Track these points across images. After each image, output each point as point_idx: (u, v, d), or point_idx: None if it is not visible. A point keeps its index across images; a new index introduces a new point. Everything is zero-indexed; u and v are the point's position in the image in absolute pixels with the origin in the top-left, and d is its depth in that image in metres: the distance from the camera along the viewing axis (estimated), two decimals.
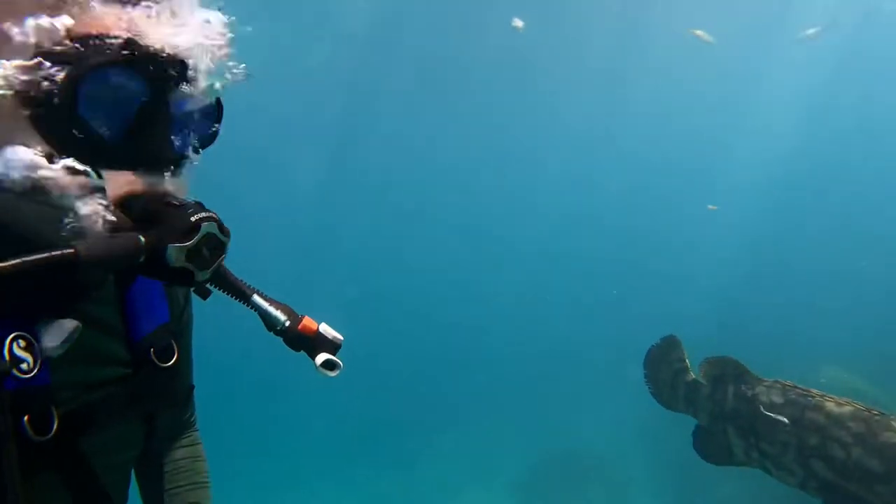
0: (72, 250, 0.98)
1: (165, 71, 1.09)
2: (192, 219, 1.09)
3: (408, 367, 17.92)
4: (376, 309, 18.65)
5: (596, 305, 18.79)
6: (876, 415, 3.06)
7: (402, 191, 21.01)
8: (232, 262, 1.47)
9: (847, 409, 3.12)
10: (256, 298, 1.55)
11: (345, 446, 14.85)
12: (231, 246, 1.20)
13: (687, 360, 3.95)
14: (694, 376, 3.88)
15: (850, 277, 15.20)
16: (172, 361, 1.41)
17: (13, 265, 0.92)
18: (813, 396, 3.26)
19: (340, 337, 1.60)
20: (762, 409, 3.37)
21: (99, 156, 1.08)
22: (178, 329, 1.51)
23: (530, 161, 21.64)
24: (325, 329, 1.59)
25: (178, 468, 1.71)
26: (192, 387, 1.70)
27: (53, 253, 0.97)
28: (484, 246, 21.07)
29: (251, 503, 11.84)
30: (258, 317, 1.56)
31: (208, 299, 1.59)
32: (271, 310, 1.55)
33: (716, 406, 3.61)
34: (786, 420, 3.29)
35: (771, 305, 14.37)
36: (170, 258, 1.07)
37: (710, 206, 16.35)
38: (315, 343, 1.55)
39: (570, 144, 21.15)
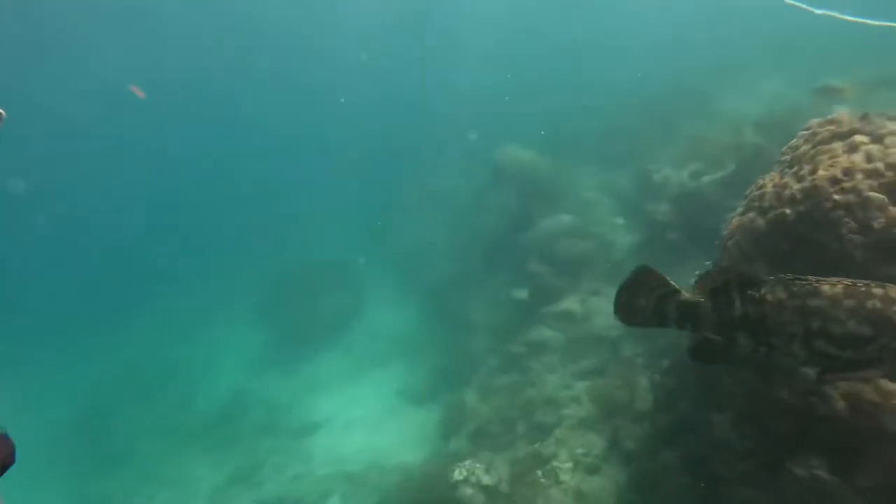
0: None
1: None
2: None
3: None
4: None
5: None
6: (862, 287, 3.26)
7: None
8: None
9: (839, 288, 3.31)
10: None
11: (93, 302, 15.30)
12: None
13: (673, 283, 3.88)
14: (687, 295, 3.83)
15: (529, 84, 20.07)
16: None
17: None
18: (811, 283, 3.40)
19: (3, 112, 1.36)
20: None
21: None
22: None
23: None
24: None
25: None
26: None
27: None
28: None
29: None
30: None
31: None
32: None
33: (722, 315, 3.62)
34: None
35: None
36: None
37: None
38: None
39: None
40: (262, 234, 16.22)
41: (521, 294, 10.87)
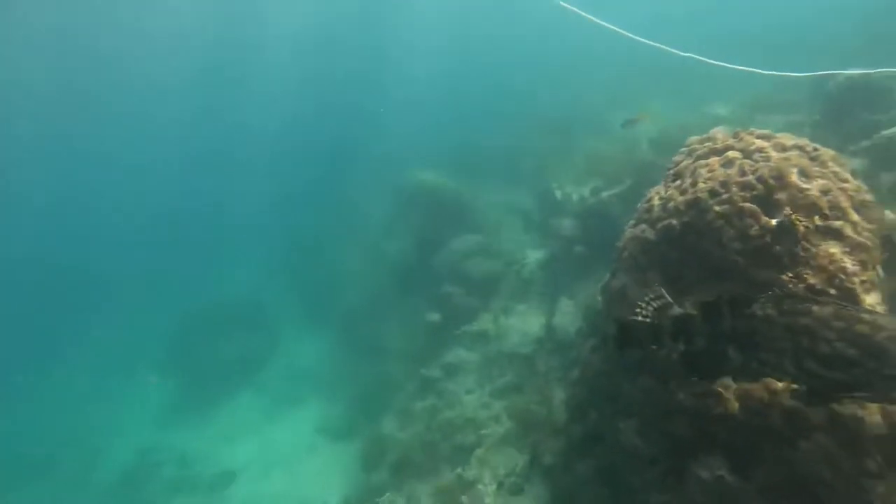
0: None
1: None
2: None
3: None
4: None
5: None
6: (852, 311, 3.31)
7: None
8: None
9: (829, 309, 3.36)
10: None
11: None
12: None
13: (667, 294, 3.88)
14: (681, 309, 3.82)
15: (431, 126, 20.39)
16: None
17: None
18: (802, 302, 3.44)
19: None
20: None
21: None
22: None
23: None
24: None
25: None
26: None
27: None
28: None
29: None
30: None
31: None
32: None
33: (714, 330, 3.64)
34: None
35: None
36: None
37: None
38: None
39: None
40: (160, 279, 15.45)
41: (435, 317, 10.87)
